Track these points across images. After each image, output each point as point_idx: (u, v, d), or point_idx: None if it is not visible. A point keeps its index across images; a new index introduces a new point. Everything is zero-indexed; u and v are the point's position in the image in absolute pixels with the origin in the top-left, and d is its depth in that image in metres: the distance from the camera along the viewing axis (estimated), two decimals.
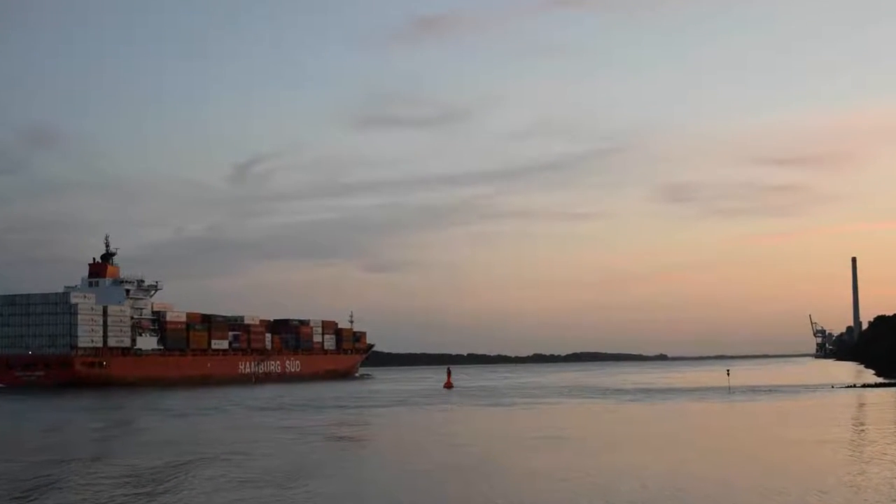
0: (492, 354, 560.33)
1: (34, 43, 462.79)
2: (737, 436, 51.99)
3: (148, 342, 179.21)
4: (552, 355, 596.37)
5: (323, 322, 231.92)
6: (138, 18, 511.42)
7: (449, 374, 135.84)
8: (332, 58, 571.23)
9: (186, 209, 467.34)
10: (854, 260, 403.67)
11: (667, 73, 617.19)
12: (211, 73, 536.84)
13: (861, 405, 78.28)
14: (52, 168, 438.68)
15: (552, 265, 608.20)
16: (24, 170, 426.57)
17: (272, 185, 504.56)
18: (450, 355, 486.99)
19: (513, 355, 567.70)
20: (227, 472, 37.21)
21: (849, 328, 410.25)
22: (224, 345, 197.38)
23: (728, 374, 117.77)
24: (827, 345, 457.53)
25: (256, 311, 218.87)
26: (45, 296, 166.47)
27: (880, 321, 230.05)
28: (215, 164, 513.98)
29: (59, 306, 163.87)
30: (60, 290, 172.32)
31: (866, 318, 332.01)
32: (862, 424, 58.28)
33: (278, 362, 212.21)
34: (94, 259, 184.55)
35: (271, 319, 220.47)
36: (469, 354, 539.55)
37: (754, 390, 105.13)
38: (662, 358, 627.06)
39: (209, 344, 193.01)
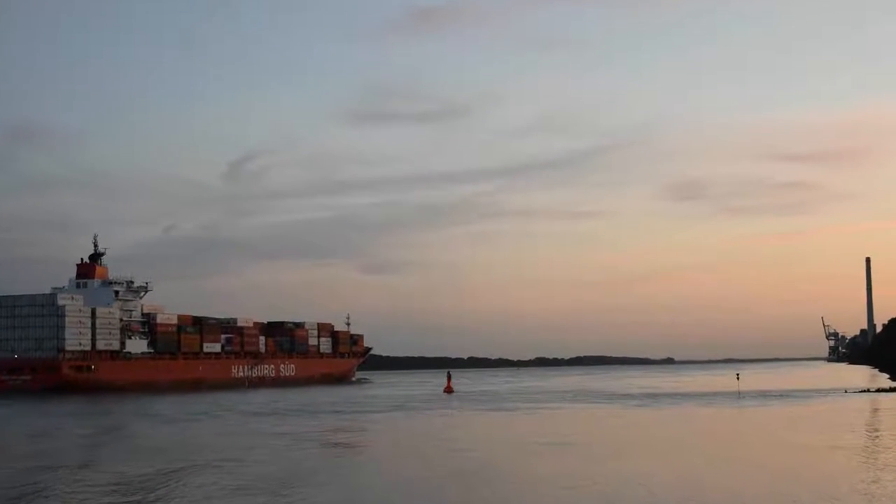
0: (493, 358, 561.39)
1: (18, 36, 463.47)
2: (747, 442, 51.96)
3: (138, 345, 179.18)
4: (555, 359, 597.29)
5: (319, 324, 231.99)
6: (128, 11, 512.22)
7: (449, 378, 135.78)
8: (328, 51, 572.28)
9: (178, 207, 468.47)
10: (868, 260, 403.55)
11: (673, 67, 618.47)
12: (203, 66, 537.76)
13: (875, 410, 78.23)
14: (37, 165, 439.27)
15: (555, 265, 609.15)
16: (9, 167, 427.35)
17: (266, 182, 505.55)
18: (450, 359, 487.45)
19: (515, 359, 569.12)
20: (219, 480, 37.18)
21: (862, 331, 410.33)
22: (216, 348, 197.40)
23: (738, 379, 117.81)
24: (840, 348, 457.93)
25: (250, 313, 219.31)
26: (32, 297, 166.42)
27: (895, 323, 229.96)
28: (208, 160, 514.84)
29: (46, 308, 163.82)
30: (47, 291, 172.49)
31: (881, 320, 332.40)
32: (876, 430, 58.26)
33: (272, 366, 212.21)
34: (81, 259, 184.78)
35: (265, 322, 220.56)
36: (470, 358, 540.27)
37: (765, 395, 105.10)
38: (670, 362, 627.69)
39: (201, 347, 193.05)
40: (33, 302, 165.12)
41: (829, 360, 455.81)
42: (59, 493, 34.77)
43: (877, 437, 53.58)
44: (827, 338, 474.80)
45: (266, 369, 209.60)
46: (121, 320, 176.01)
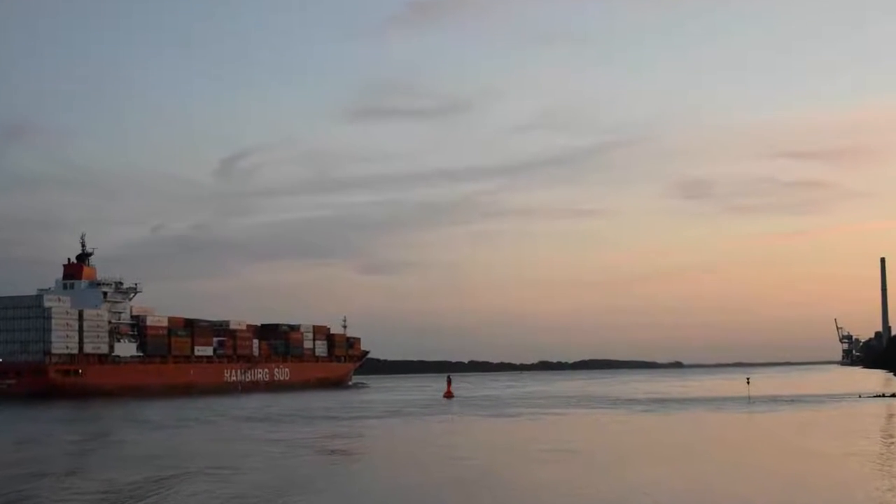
0: (495, 362, 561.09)
1: (8, 33, 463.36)
2: (757, 448, 51.97)
3: (127, 348, 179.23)
4: (559, 362, 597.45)
5: (314, 327, 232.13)
6: (119, 7, 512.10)
7: (449, 382, 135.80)
8: (325, 45, 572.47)
9: (168, 206, 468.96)
10: (883, 260, 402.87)
11: (676, 64, 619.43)
12: (196, 61, 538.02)
13: (890, 416, 78.30)
14: (23, 162, 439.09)
15: (558, 265, 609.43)
16: None
17: (260, 180, 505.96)
18: (450, 363, 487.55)
19: (517, 362, 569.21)
20: (211, 488, 37.19)
21: (877, 333, 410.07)
22: (208, 351, 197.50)
23: (748, 383, 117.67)
24: (854, 351, 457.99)
25: (243, 315, 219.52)
26: (17, 299, 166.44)
27: None
28: (199, 158, 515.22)
29: (32, 310, 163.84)
30: (33, 292, 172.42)
31: None
32: (891, 437, 58.31)
33: (266, 370, 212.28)
34: (69, 259, 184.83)
35: (259, 324, 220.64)
36: (470, 362, 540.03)
37: (776, 400, 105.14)
38: (677, 365, 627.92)
39: (192, 350, 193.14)
40: (19, 304, 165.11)
41: (843, 363, 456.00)
42: (45, 502, 34.79)
43: (892, 443, 53.63)
44: (840, 341, 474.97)
45: (259, 373, 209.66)
46: (109, 323, 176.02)
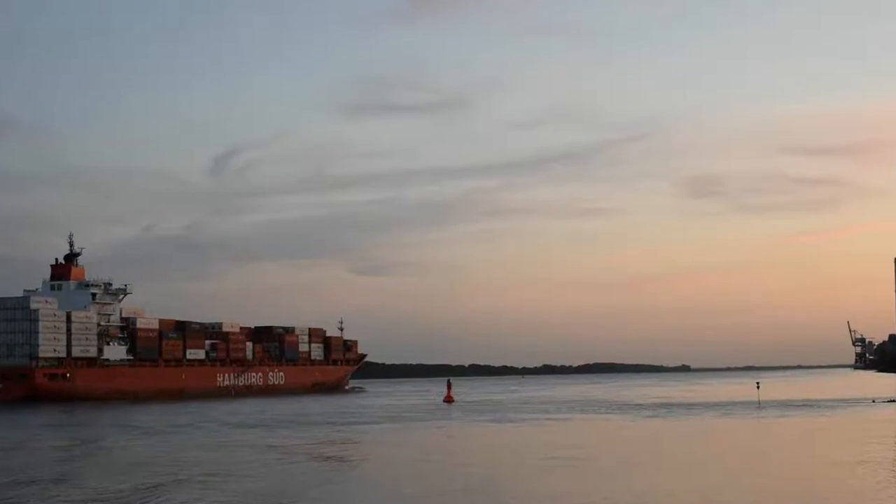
0: (496, 365, 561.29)
1: None
2: (768, 455, 51.93)
3: (116, 352, 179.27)
4: (563, 366, 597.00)
5: (310, 330, 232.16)
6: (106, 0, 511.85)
7: (449, 386, 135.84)
8: (321, 37, 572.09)
9: (159, 205, 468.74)
10: None
11: (687, 56, 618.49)
12: (187, 55, 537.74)
13: None
14: (9, 160, 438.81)
15: (562, 266, 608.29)
16: None
17: (254, 178, 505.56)
18: (450, 366, 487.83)
19: (519, 366, 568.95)
20: (203, 496, 37.18)
21: (891, 336, 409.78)
22: (200, 354, 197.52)
23: (758, 388, 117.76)
24: (867, 354, 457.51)
25: (236, 317, 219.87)
26: (2, 300, 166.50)
27: None
28: (191, 155, 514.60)
29: (18, 312, 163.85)
30: (19, 293, 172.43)
31: None
32: None
33: (260, 374, 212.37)
34: (56, 260, 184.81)
35: (252, 327, 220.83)
36: (471, 365, 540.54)
37: (787, 405, 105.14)
38: (685, 369, 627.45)
39: (184, 354, 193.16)
40: (4, 305, 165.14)
41: (856, 367, 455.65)
42: None
43: None
44: (853, 344, 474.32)
45: (253, 377, 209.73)
46: (98, 325, 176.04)
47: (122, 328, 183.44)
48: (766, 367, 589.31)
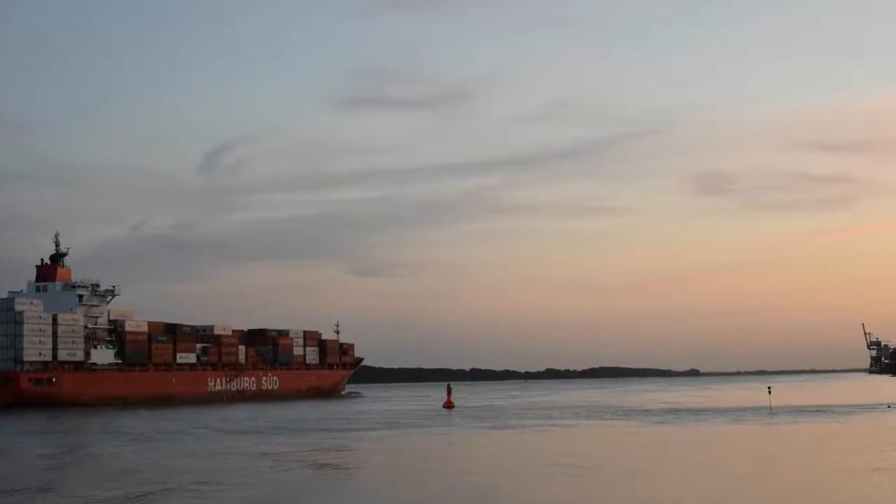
0: (498, 370, 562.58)
1: None
2: (780, 463, 51.99)
3: (104, 355, 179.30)
4: (567, 370, 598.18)
5: (305, 333, 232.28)
6: None
7: (449, 392, 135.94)
8: (316, 27, 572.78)
9: (148, 203, 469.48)
10: None
11: (697, 48, 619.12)
12: (176, 46, 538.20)
13: None
14: None
15: (566, 267, 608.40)
16: None
17: (246, 175, 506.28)
18: (450, 371, 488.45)
19: (522, 370, 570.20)
20: None
21: None
22: (191, 358, 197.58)
23: (769, 392, 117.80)
24: (883, 358, 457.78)
25: (228, 320, 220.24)
26: None
27: None
28: (180, 151, 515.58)
29: (2, 314, 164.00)
30: (3, 295, 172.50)
31: None
32: None
33: (253, 379, 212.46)
34: (42, 260, 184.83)
35: (245, 330, 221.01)
36: (472, 370, 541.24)
37: (799, 411, 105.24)
38: (694, 373, 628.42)
39: (174, 358, 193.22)
40: None
41: (871, 371, 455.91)
42: None
43: None
44: (868, 347, 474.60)
45: (246, 382, 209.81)
46: (85, 328, 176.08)
47: (109, 331, 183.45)
48: (778, 371, 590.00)
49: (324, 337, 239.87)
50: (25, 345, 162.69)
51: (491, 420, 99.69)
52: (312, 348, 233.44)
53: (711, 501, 37.02)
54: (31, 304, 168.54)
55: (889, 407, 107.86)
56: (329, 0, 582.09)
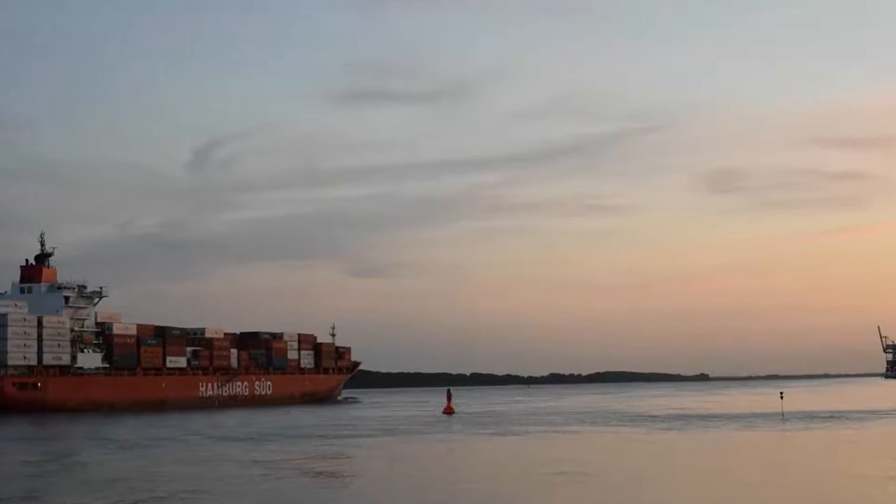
0: (500, 374, 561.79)
1: None
2: (792, 470, 52.06)
3: (91, 359, 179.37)
4: (571, 375, 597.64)
5: (299, 336, 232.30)
6: None
7: (449, 397, 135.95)
8: (311, 19, 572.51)
9: (135, 201, 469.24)
10: None
11: (707, 40, 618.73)
12: (165, 38, 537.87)
13: None
14: None
15: (570, 267, 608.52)
16: None
17: (239, 172, 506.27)
18: (450, 375, 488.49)
19: (525, 375, 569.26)
20: None
21: None
22: (181, 362, 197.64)
23: (781, 398, 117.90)
24: None
25: (220, 322, 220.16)
26: None
27: None
28: (169, 147, 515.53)
29: None
30: None
31: None
32: None
33: (246, 383, 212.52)
34: (26, 260, 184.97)
35: (238, 333, 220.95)
36: (473, 374, 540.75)
37: (812, 416, 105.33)
38: (703, 378, 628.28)
39: (163, 361, 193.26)
40: None
41: (887, 376, 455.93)
42: None
43: None
44: (884, 350, 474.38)
45: (238, 387, 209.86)
46: (71, 331, 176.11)
47: (97, 334, 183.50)
48: (790, 375, 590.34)
49: (319, 340, 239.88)
50: (9, 348, 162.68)
51: (493, 426, 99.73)
52: (307, 352, 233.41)
53: None
54: (15, 305, 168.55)
55: None
56: None
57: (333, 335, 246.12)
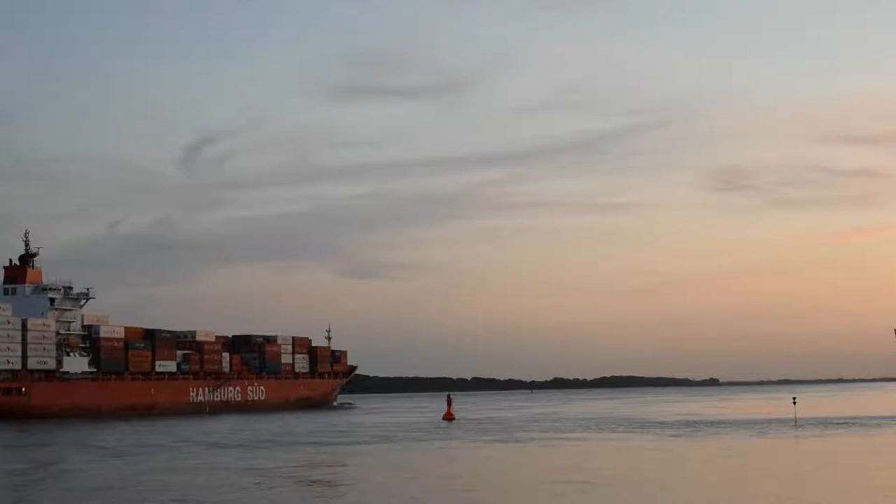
0: (502, 379, 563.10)
1: None
2: (805, 480, 52.00)
3: (77, 363, 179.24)
4: (576, 380, 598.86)
5: (293, 339, 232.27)
6: None
7: (449, 402, 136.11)
8: (305, 9, 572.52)
9: (124, 200, 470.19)
10: None
11: (718, 33, 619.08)
12: (154, 32, 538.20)
13: None
14: None
15: (576, 268, 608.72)
16: None
17: (230, 169, 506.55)
18: (450, 380, 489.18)
19: (528, 380, 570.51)
20: None
21: None
22: (171, 367, 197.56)
23: (794, 403, 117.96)
24: None
25: (211, 325, 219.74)
26: None
27: None
28: (159, 143, 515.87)
29: None
30: None
31: None
32: None
33: (238, 388, 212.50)
34: (10, 261, 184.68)
35: (229, 336, 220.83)
36: (474, 379, 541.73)
37: (827, 423, 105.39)
38: (713, 383, 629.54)
39: (153, 366, 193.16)
40: None
41: None
42: None
43: None
44: None
45: (230, 392, 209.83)
46: (57, 334, 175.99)
47: (83, 337, 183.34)
48: (803, 380, 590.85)
49: (314, 343, 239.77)
50: None
51: (494, 433, 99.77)
52: (302, 356, 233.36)
53: None
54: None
55: None
56: None
57: (329, 338, 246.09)
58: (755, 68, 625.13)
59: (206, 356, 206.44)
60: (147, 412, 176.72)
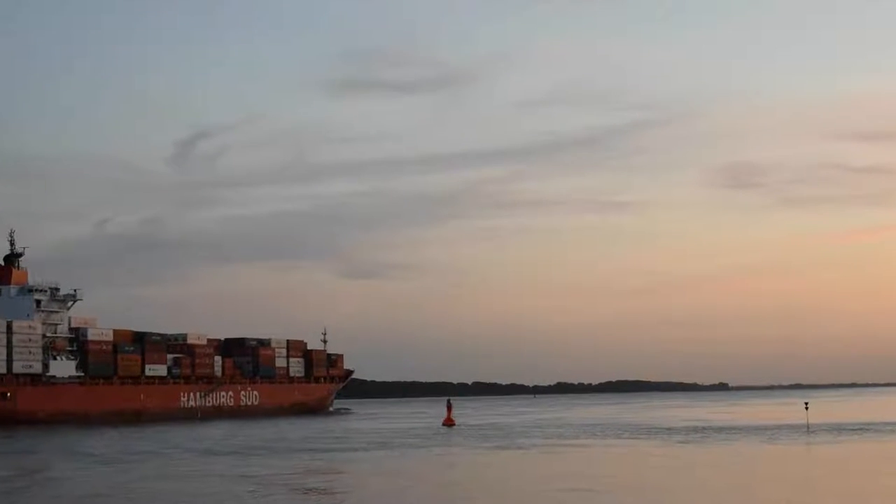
0: (503, 383, 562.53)
1: None
2: (818, 487, 52.06)
3: (64, 367, 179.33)
4: (580, 384, 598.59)
5: (288, 342, 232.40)
6: None
7: (449, 408, 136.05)
8: (303, 4, 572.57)
9: (113, 198, 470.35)
10: None
11: (725, 26, 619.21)
12: (145, 23, 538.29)
13: None
14: None
15: (579, 268, 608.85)
16: None
17: (223, 167, 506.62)
18: (450, 384, 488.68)
19: (530, 384, 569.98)
20: None
21: None
22: (161, 371, 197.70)
23: (806, 408, 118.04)
24: None
25: (203, 328, 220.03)
26: None
27: None
28: (151, 139, 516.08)
29: None
30: None
31: None
32: None
33: (231, 393, 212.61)
34: None
35: (222, 339, 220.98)
36: (475, 383, 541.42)
37: (840, 429, 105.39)
38: (722, 387, 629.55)
39: (142, 370, 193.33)
40: None
41: None
42: None
43: None
44: None
45: (223, 397, 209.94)
46: (43, 336, 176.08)
47: (70, 340, 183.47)
48: (815, 385, 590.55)
49: (309, 347, 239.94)
50: None
51: (496, 439, 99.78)
52: (297, 359, 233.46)
53: None
54: None
55: None
56: None
57: (325, 341, 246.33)
58: (764, 63, 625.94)
59: (197, 360, 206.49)
60: (136, 418, 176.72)
